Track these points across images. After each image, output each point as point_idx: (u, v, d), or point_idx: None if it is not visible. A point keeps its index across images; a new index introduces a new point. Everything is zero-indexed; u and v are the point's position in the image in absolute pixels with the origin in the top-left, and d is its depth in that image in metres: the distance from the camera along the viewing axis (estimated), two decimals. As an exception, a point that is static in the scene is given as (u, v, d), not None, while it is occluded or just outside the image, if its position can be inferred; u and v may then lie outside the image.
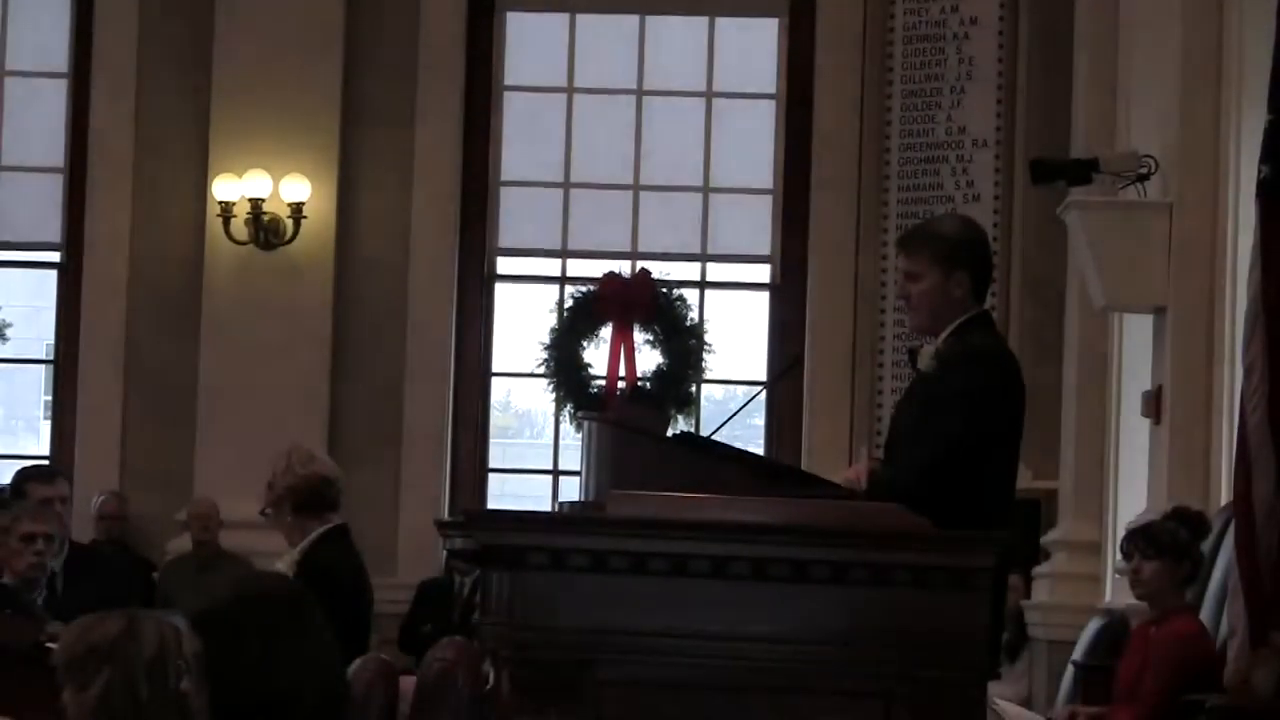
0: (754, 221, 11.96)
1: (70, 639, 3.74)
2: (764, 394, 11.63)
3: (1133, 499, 8.91)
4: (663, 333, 11.75)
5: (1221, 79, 8.30)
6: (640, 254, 11.91)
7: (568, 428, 11.88)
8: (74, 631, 3.74)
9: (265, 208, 11.39)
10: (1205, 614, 7.05)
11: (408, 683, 5.52)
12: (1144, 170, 8.65)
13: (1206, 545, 7.14)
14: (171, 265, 11.61)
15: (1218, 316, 8.23)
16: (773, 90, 11.96)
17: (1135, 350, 9.11)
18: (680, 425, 11.49)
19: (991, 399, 5.22)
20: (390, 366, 11.57)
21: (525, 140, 12.04)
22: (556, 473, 12.08)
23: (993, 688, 6.04)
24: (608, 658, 4.54)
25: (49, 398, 12.16)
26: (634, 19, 12.04)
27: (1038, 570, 10.11)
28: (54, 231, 11.89)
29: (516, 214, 12.02)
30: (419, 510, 11.23)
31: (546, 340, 11.78)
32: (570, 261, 12.05)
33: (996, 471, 5.28)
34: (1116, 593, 8.83)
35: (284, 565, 6.30)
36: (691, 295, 11.91)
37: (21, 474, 9.66)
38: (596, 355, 11.79)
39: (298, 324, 11.41)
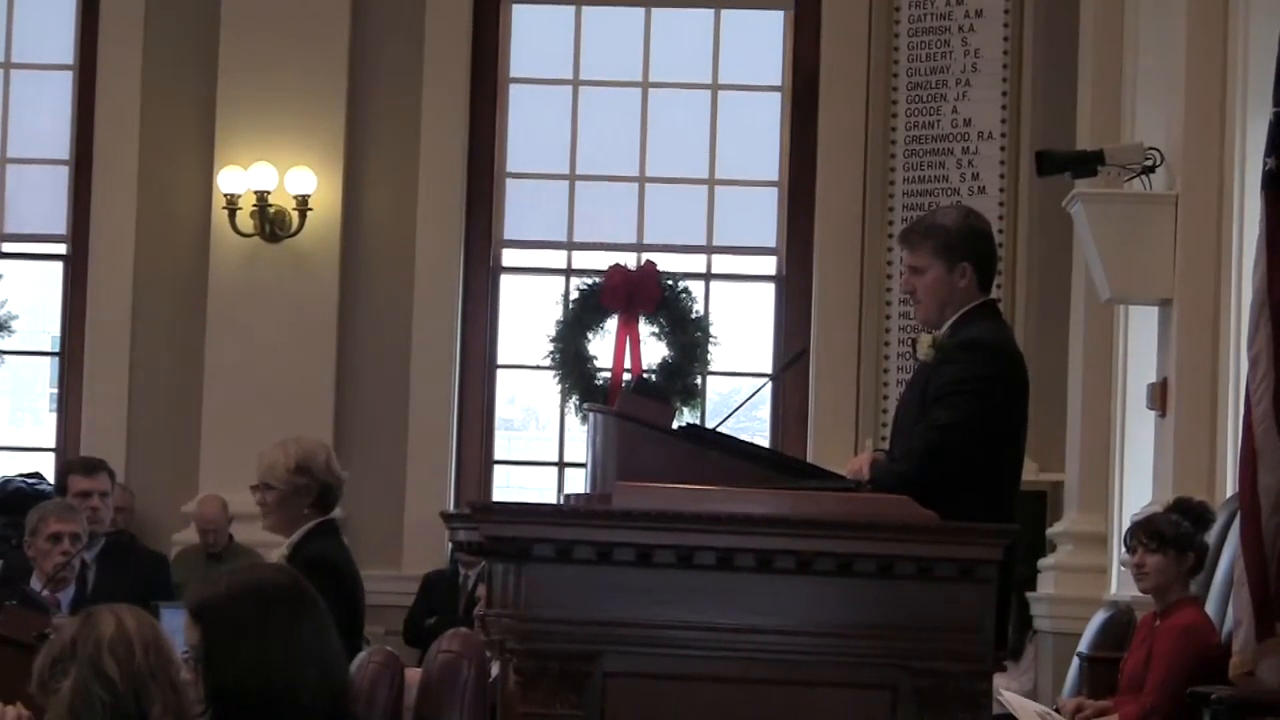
0: (760, 214, 11.95)
1: (38, 662, 3.78)
2: (769, 386, 11.62)
3: (1138, 491, 8.91)
4: (668, 325, 11.74)
5: (1227, 71, 8.29)
6: (646, 246, 11.90)
7: (573, 420, 11.88)
8: (40, 654, 3.78)
9: (271, 200, 11.38)
10: (1211, 605, 7.06)
11: (413, 675, 5.52)
12: (1149, 162, 8.65)
13: (1212, 537, 7.14)
14: (177, 257, 11.61)
15: (1223, 309, 8.22)
16: (778, 83, 11.95)
17: (1140, 342, 9.11)
18: (686, 418, 11.48)
19: (988, 387, 5.22)
20: (395, 358, 11.56)
21: (531, 132, 12.03)
22: (562, 465, 12.07)
23: (998, 679, 6.04)
24: (613, 649, 4.55)
25: (55, 390, 12.15)
26: (639, 11, 12.02)
27: (1043, 562, 10.11)
28: (60, 224, 11.88)
29: (522, 206, 12.02)
30: (424, 502, 11.22)
31: (552, 332, 11.77)
32: (576, 253, 12.04)
33: (1002, 463, 5.27)
34: (1122, 585, 8.83)
35: (275, 555, 6.27)
36: (697, 287, 11.90)
37: (65, 466, 9.63)
38: (602, 347, 11.78)
39: (303, 316, 11.41)
